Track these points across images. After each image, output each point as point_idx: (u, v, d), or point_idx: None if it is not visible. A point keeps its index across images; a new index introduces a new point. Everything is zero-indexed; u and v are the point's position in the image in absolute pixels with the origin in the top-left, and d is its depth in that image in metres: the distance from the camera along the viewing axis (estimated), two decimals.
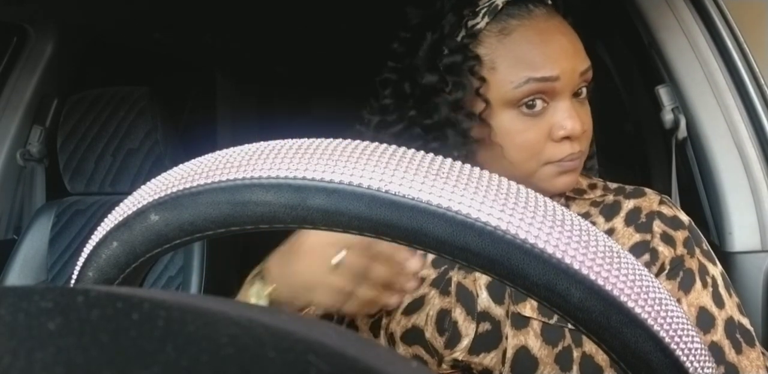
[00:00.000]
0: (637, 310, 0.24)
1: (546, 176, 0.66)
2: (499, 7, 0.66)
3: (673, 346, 0.24)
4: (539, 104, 0.64)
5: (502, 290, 0.64)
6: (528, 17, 0.66)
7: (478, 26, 0.66)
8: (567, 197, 0.72)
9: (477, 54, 0.66)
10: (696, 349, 0.25)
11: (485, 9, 0.67)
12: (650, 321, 0.24)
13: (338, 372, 0.14)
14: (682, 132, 1.03)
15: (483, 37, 0.66)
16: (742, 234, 0.97)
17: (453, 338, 0.62)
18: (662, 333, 0.24)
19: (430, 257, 0.70)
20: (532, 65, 0.63)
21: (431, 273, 0.68)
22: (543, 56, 0.64)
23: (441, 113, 0.68)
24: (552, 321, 0.61)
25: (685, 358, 0.24)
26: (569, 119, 0.63)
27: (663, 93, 1.05)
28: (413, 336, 0.63)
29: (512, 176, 0.67)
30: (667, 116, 1.04)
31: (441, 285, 0.66)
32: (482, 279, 0.65)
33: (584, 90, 0.66)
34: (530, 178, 0.66)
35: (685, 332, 0.25)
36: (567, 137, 0.64)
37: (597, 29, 1.49)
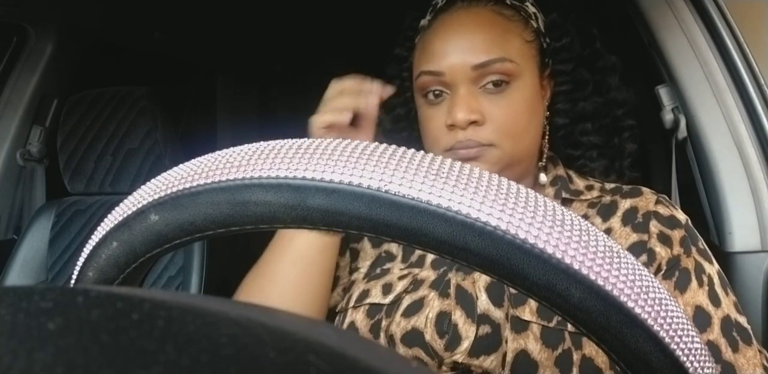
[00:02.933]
0: (637, 310, 0.24)
1: None
2: (438, 5, 0.73)
3: (673, 346, 0.24)
4: (443, 93, 0.69)
5: (501, 293, 0.63)
6: (447, 11, 0.72)
7: (423, 24, 0.74)
8: (564, 200, 0.72)
9: (414, 46, 0.74)
10: (696, 349, 0.25)
11: (431, 7, 0.74)
12: (650, 321, 0.24)
13: (338, 372, 0.14)
14: (682, 132, 1.03)
15: (422, 32, 0.74)
16: (742, 234, 0.97)
17: (453, 340, 0.62)
18: (662, 333, 0.24)
19: (429, 258, 0.70)
20: (425, 59, 0.69)
21: (430, 275, 0.67)
22: (433, 51, 0.69)
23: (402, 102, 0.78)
24: (551, 325, 0.61)
25: (685, 358, 0.24)
26: (454, 107, 0.66)
27: (663, 93, 1.05)
28: (413, 338, 0.63)
29: None
30: (667, 116, 1.04)
31: (440, 286, 0.65)
32: (481, 281, 0.65)
33: (502, 83, 0.67)
34: None
35: (685, 332, 0.25)
36: (453, 125, 0.67)
37: (597, 29, 1.49)
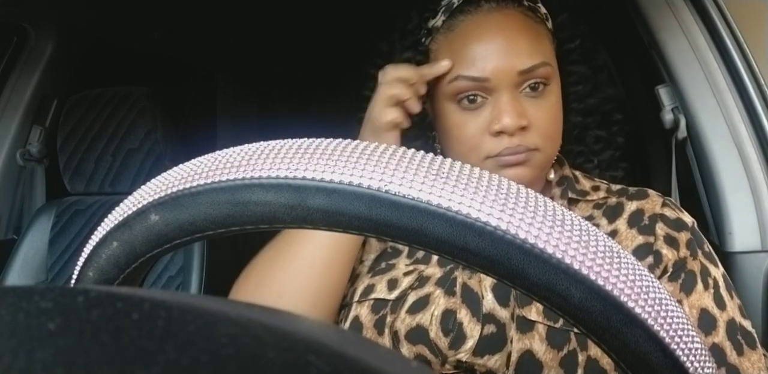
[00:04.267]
0: (637, 310, 0.24)
1: (492, 169, 0.66)
2: (455, 5, 0.69)
3: (673, 346, 0.24)
4: (479, 98, 0.65)
5: (508, 292, 0.63)
6: (473, 12, 0.68)
7: (435, 25, 0.70)
8: (570, 200, 0.72)
9: (428, 49, 0.70)
10: (696, 349, 0.25)
11: (444, 8, 0.70)
12: (650, 321, 0.24)
13: (338, 372, 0.14)
14: (682, 132, 1.03)
15: (436, 34, 0.70)
16: (742, 234, 0.97)
17: (457, 339, 0.62)
18: (662, 333, 0.24)
19: (436, 256, 0.70)
20: (463, 63, 0.65)
21: (436, 272, 0.67)
22: (473, 55, 0.65)
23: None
24: (557, 325, 0.60)
25: (685, 358, 0.24)
26: (503, 113, 0.64)
27: (663, 93, 1.05)
28: (417, 335, 0.63)
29: None
30: (667, 116, 1.04)
31: (446, 284, 0.65)
32: (487, 280, 0.65)
33: (540, 86, 0.66)
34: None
35: (685, 332, 0.25)
36: (502, 132, 0.64)
37: (597, 29, 1.49)
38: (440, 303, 0.64)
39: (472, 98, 0.65)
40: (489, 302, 0.63)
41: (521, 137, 0.65)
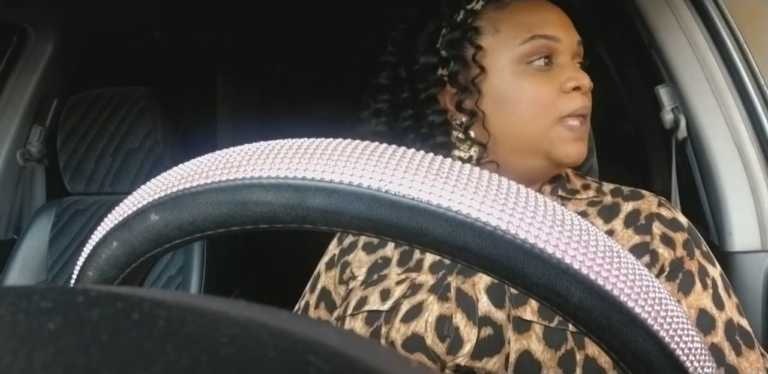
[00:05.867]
0: (637, 310, 0.24)
1: (560, 138, 0.67)
2: None
3: (673, 346, 0.24)
4: (546, 62, 0.68)
5: (502, 294, 0.63)
6: None
7: (476, 8, 0.71)
8: (562, 198, 0.72)
9: (475, 26, 0.70)
10: (696, 349, 0.25)
11: None
12: (650, 321, 0.24)
13: (338, 372, 0.14)
14: (682, 132, 1.03)
15: (480, 14, 0.71)
16: (742, 234, 0.97)
17: (455, 344, 0.62)
18: (662, 333, 0.24)
19: (427, 262, 0.70)
20: (534, 26, 0.68)
21: (429, 279, 0.67)
22: (543, 20, 0.69)
23: (435, 90, 0.71)
24: (553, 325, 0.60)
25: (685, 358, 0.24)
26: (577, 72, 0.67)
27: (663, 93, 1.05)
28: (414, 343, 0.63)
29: (525, 138, 0.69)
30: (667, 116, 1.04)
31: (440, 290, 0.65)
32: (481, 283, 0.65)
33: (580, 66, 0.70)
34: (543, 141, 0.68)
35: (685, 332, 0.25)
36: (578, 88, 0.67)
37: (597, 29, 1.49)
38: (434, 309, 0.64)
39: (544, 57, 0.68)
40: (484, 304, 0.63)
41: (587, 99, 0.68)
